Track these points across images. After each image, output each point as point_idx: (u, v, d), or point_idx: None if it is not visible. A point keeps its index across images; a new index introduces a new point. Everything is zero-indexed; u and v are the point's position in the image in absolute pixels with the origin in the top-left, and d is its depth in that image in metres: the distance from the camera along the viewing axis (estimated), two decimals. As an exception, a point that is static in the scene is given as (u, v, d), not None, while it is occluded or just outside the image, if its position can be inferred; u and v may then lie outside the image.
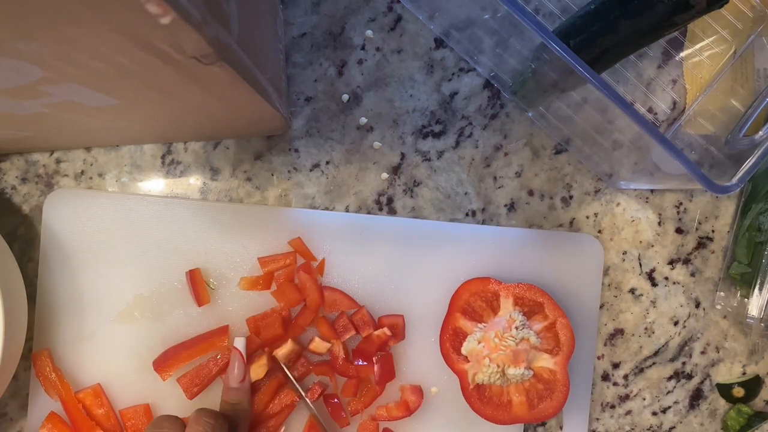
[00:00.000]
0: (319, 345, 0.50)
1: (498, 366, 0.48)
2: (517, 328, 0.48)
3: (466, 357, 0.49)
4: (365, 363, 0.50)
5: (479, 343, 0.49)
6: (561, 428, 0.53)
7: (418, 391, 0.51)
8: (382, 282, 0.52)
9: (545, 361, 0.49)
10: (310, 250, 0.51)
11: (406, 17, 0.53)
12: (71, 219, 0.51)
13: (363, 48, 0.53)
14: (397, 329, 0.51)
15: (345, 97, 0.52)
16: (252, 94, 0.38)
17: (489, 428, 0.51)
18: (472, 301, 0.50)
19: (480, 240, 0.52)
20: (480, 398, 0.49)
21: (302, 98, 0.52)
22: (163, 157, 0.52)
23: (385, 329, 0.50)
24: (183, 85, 0.34)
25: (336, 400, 0.50)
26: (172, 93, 0.37)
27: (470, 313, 0.50)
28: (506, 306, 0.50)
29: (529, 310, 0.50)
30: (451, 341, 0.50)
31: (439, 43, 0.53)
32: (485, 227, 0.53)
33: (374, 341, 0.50)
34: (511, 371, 0.48)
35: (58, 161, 0.52)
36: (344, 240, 0.52)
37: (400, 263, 0.52)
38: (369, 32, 0.52)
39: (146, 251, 0.51)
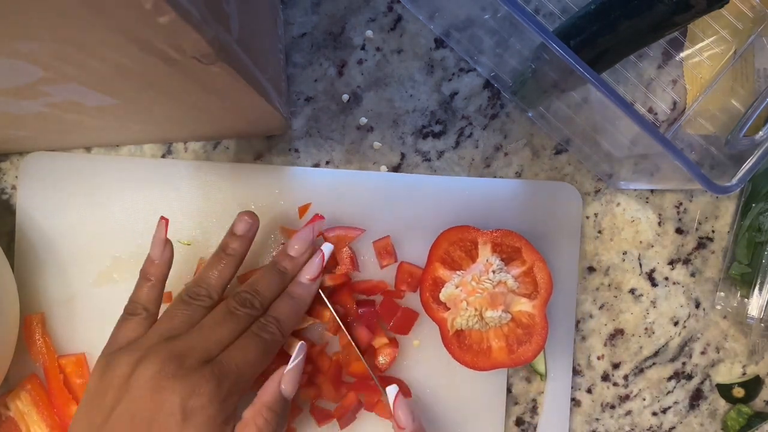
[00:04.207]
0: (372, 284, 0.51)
1: (476, 309, 0.48)
2: (494, 271, 0.48)
3: (446, 305, 0.49)
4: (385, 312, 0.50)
5: (457, 287, 0.48)
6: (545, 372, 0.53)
7: (394, 342, 0.51)
8: (363, 236, 0.51)
9: (524, 305, 0.49)
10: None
11: (406, 17, 0.53)
12: (47, 181, 0.51)
13: (363, 48, 0.53)
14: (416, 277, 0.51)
15: (345, 97, 0.52)
16: (252, 94, 0.38)
17: (470, 377, 0.51)
18: (451, 251, 0.50)
19: (460, 191, 0.52)
20: (460, 345, 0.49)
21: (302, 98, 0.52)
22: (163, 157, 0.52)
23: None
24: (183, 85, 0.34)
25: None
26: (172, 93, 0.37)
27: (449, 263, 0.50)
28: (484, 253, 0.50)
29: (507, 256, 0.50)
30: (430, 290, 0.50)
31: (439, 43, 0.53)
32: (465, 179, 0.53)
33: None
34: (489, 314, 0.48)
35: (58, 161, 0.52)
36: (324, 195, 0.51)
37: (379, 217, 0.52)
38: (369, 32, 0.52)
39: (123, 213, 0.51)
